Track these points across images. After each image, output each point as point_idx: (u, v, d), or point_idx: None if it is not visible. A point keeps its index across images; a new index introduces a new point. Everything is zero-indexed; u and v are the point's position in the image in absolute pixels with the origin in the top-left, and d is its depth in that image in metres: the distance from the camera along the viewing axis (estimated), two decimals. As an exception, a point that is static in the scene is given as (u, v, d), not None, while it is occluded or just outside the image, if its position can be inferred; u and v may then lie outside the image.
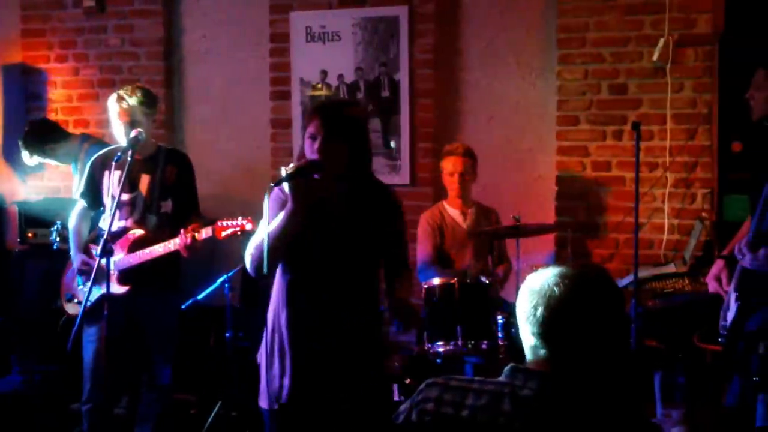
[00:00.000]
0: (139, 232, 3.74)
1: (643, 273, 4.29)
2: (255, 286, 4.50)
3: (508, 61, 4.99)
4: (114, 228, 3.55)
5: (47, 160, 5.09)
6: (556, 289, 1.60)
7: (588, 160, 4.79)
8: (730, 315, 3.07)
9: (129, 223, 3.77)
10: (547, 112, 4.90)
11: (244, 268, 4.38)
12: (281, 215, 2.51)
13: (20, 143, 5.03)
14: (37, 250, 5.15)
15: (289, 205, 2.50)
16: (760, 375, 2.87)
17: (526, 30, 4.96)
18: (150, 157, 3.82)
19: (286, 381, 2.64)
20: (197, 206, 3.94)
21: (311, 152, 2.57)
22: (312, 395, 2.63)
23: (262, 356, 2.76)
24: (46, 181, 5.62)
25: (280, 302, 2.70)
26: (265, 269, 2.46)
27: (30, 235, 5.24)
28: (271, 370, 2.68)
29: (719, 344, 3.15)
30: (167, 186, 3.82)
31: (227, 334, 4.34)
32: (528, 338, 1.65)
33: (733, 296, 3.07)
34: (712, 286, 3.28)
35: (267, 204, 2.45)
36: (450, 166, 4.36)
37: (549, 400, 1.57)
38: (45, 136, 4.85)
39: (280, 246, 2.49)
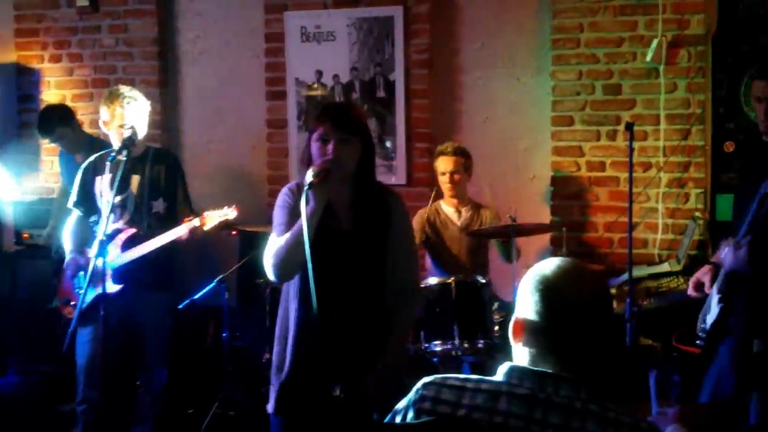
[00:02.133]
0: (131, 231, 3.75)
1: (638, 272, 4.31)
2: (251, 287, 4.51)
3: (503, 62, 5.00)
4: (108, 231, 3.55)
5: (55, 144, 4.89)
6: (561, 290, 1.61)
7: (583, 160, 4.82)
8: (710, 318, 3.08)
9: (121, 224, 3.78)
10: (541, 113, 4.92)
11: (240, 268, 4.45)
12: (302, 218, 2.52)
13: (37, 122, 4.84)
14: (31, 251, 5.15)
15: (312, 205, 2.51)
16: (754, 373, 2.89)
17: (520, 31, 4.98)
18: (139, 157, 3.82)
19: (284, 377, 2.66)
20: (190, 204, 3.94)
21: (321, 155, 2.58)
22: (313, 404, 2.64)
23: (273, 364, 2.75)
24: (42, 182, 5.60)
25: (289, 308, 2.70)
26: (291, 270, 2.52)
27: (25, 235, 5.24)
28: (280, 376, 2.69)
29: (697, 347, 3.18)
30: (157, 185, 3.82)
31: (224, 334, 4.35)
32: (526, 337, 1.65)
33: (715, 298, 3.08)
34: (692, 289, 3.27)
35: (304, 206, 2.46)
36: (441, 165, 4.38)
37: (546, 399, 1.58)
38: (62, 119, 4.68)
39: (302, 248, 2.51)
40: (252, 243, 4.33)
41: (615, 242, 4.77)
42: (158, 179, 3.83)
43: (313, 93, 5.14)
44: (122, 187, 3.71)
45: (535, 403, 1.58)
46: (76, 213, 3.89)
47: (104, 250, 3.30)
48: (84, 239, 3.85)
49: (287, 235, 2.58)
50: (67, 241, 3.90)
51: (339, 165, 2.56)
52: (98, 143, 4.26)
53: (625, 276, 3.94)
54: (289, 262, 2.56)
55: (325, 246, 2.58)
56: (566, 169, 4.84)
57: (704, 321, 3.13)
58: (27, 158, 5.59)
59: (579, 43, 4.77)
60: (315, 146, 2.62)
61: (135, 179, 3.80)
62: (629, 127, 3.82)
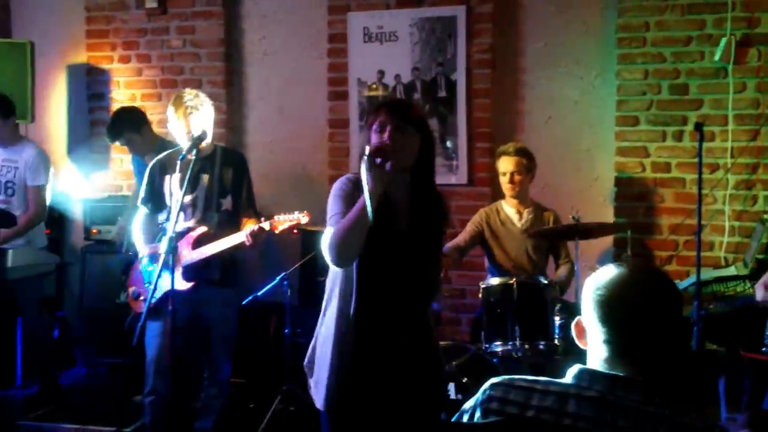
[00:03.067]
0: (201, 229, 3.83)
1: (704, 276, 4.22)
2: (313, 285, 4.55)
3: (567, 61, 4.96)
4: (178, 229, 3.63)
5: (125, 147, 4.93)
6: (632, 295, 1.60)
7: (648, 161, 4.75)
8: None
9: (192, 223, 3.86)
10: (606, 113, 4.86)
11: (302, 267, 4.50)
12: (362, 200, 2.52)
13: (108, 125, 4.90)
14: (100, 246, 5.30)
15: (370, 184, 2.50)
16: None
17: (584, 30, 4.93)
18: (208, 156, 3.89)
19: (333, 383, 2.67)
20: (254, 203, 4.01)
21: (377, 142, 2.58)
22: (363, 396, 2.65)
23: (316, 356, 2.76)
24: (111, 180, 5.74)
25: (338, 301, 2.70)
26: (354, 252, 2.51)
27: (94, 231, 5.39)
28: (323, 371, 2.71)
29: (764, 354, 3.11)
30: (225, 185, 3.90)
31: (286, 331, 4.40)
32: (595, 341, 1.65)
33: None
34: (760, 294, 3.20)
35: (365, 175, 2.45)
36: (502, 166, 4.36)
37: (616, 402, 1.57)
38: (131, 124, 4.72)
39: (364, 228, 2.51)
40: (313, 242, 4.38)
41: (680, 244, 4.69)
42: (227, 179, 3.91)
43: (375, 93, 5.17)
44: (192, 186, 3.79)
45: (605, 406, 1.57)
46: (143, 210, 3.99)
47: (174, 246, 3.37)
48: (152, 236, 3.95)
49: (349, 215, 2.53)
50: (138, 238, 4.00)
51: (395, 152, 2.54)
52: (168, 146, 4.33)
53: (691, 279, 3.87)
54: (351, 242, 2.51)
55: (380, 244, 2.58)
56: (631, 170, 4.77)
57: None
58: (97, 156, 5.73)
59: (645, 42, 4.71)
60: (373, 137, 2.61)
61: (205, 178, 3.87)
62: (699, 127, 3.75)
